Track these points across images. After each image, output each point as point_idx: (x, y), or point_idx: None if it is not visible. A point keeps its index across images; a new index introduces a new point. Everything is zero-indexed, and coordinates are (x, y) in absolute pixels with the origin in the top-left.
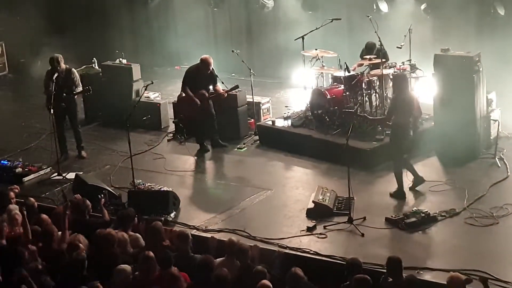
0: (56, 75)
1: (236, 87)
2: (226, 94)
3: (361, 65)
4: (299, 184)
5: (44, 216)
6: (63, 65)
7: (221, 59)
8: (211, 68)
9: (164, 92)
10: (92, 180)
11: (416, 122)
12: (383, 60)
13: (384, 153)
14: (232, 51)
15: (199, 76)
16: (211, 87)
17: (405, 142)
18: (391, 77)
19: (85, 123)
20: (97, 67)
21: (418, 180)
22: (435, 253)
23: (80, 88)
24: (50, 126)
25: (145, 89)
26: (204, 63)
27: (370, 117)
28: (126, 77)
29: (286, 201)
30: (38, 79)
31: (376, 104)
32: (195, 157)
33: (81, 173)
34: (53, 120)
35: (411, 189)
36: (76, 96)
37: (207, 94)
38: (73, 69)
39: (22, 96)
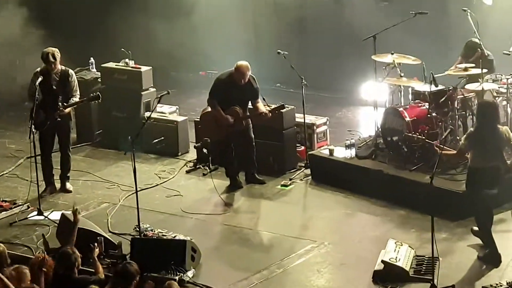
0: (39, 79)
1: (282, 107)
2: (270, 114)
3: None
4: (363, 236)
5: (24, 270)
6: (58, 65)
7: (262, 63)
8: (247, 79)
9: (183, 106)
10: (83, 222)
11: (508, 166)
12: (485, 70)
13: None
14: (278, 52)
15: (233, 87)
16: (250, 102)
17: (487, 192)
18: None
19: (76, 144)
20: (95, 70)
21: (492, 256)
22: None
23: (78, 96)
24: (31, 147)
25: (159, 102)
26: (239, 72)
27: (437, 147)
28: (133, 84)
29: (345, 259)
30: (16, 86)
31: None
32: (223, 196)
33: (69, 212)
34: (35, 138)
35: (480, 259)
36: (72, 108)
37: (241, 112)
38: (71, 70)
39: None
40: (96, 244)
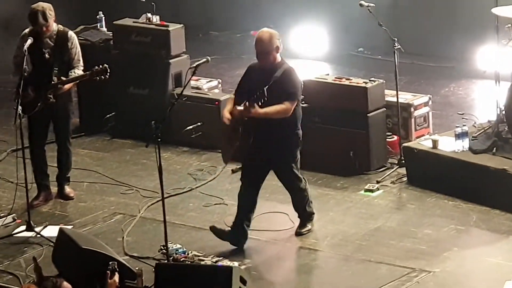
0: (28, 42)
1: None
2: (251, 110)
3: None
4: (481, 263)
5: None
6: (52, 24)
7: (337, 19)
8: (268, 58)
9: (228, 80)
10: (89, 241)
11: None
12: None
13: None
14: (361, 4)
15: (256, 75)
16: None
17: None
18: None
19: (79, 133)
20: (105, 29)
21: None
22: None
23: (81, 68)
24: (17, 137)
25: (194, 73)
26: (256, 45)
27: None
28: (158, 49)
29: None
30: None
31: None
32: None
33: (70, 227)
34: (22, 125)
35: None
36: (73, 85)
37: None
38: (71, 32)
39: None
40: (108, 271)
